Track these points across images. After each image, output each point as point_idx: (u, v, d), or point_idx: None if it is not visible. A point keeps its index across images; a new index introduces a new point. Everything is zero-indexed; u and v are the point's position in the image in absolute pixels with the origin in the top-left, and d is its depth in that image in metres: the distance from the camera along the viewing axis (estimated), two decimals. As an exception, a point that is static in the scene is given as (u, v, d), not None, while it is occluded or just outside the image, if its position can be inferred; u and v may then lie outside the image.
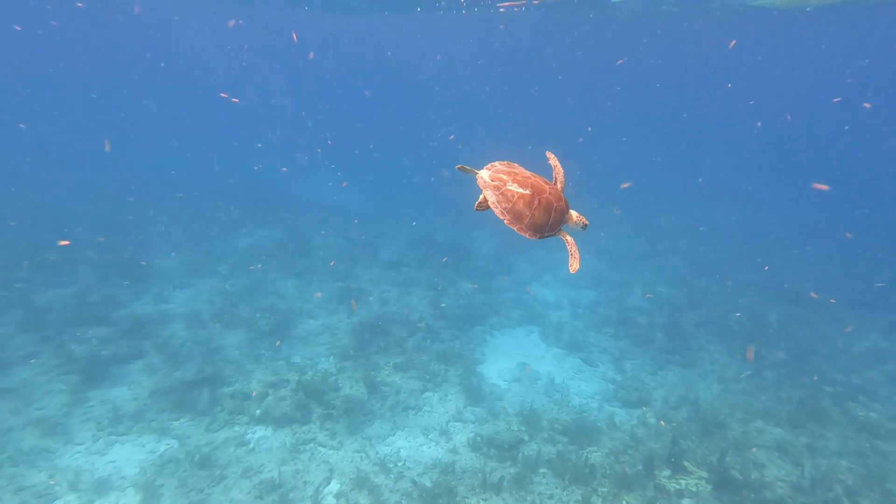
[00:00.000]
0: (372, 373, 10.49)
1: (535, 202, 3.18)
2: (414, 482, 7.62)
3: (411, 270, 16.74)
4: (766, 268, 17.74)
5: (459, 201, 27.61)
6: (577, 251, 3.50)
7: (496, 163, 3.41)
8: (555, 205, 3.26)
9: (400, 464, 8.14)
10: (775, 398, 10.55)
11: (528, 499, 7.18)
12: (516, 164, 3.48)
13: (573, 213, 3.48)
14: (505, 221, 3.25)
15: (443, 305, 14.25)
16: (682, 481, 7.72)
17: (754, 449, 8.70)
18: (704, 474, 7.88)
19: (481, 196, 3.34)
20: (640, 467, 7.87)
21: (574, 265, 3.47)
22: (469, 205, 3.50)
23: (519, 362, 12.38)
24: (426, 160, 39.45)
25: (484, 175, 3.27)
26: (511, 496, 7.25)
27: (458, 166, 3.34)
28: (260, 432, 8.66)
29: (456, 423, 9.34)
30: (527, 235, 3.27)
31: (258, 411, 8.99)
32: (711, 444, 8.83)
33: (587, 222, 3.53)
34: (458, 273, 16.67)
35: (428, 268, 16.97)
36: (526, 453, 8.25)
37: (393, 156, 41.55)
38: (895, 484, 7.79)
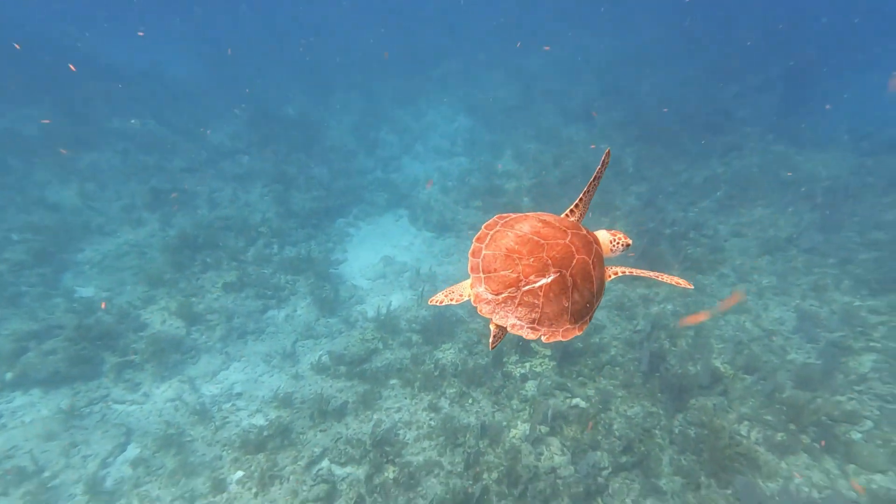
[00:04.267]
0: (193, 299, 8.99)
1: (570, 279, 2.07)
2: (241, 426, 6.94)
3: (251, 159, 14.03)
4: (595, 114, 17.29)
5: (320, 59, 23.46)
6: (661, 274, 2.44)
7: (478, 252, 2.19)
8: (590, 260, 2.15)
9: (228, 405, 7.30)
10: (623, 252, 11.07)
11: (375, 417, 6.96)
12: (496, 224, 2.30)
13: (605, 239, 2.45)
14: (544, 339, 2.06)
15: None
16: (528, 364, 8.03)
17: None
18: (548, 352, 8.23)
19: (492, 326, 2.13)
20: (490, 358, 7.98)
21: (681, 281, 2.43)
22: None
23: (384, 255, 11.69)
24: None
25: (482, 294, 2.08)
26: (355, 419, 6.96)
27: (432, 300, 2.27)
28: (18, 400, 7.08)
29: (305, 342, 8.67)
30: (577, 332, 2.12)
31: (9, 374, 7.21)
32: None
33: (629, 241, 2.51)
34: (311, 156, 14.48)
35: (273, 153, 14.31)
36: (377, 365, 7.95)
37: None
38: (709, 318, 8.70)
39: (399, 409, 7.03)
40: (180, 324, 8.48)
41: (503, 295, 2.04)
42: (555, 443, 6.34)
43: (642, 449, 6.21)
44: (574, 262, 2.09)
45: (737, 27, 19.21)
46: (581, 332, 2.11)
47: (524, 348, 8.24)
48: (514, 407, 7.12)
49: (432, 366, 7.64)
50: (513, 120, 17.56)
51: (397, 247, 12.38)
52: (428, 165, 15.89)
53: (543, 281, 2.02)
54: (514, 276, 2.06)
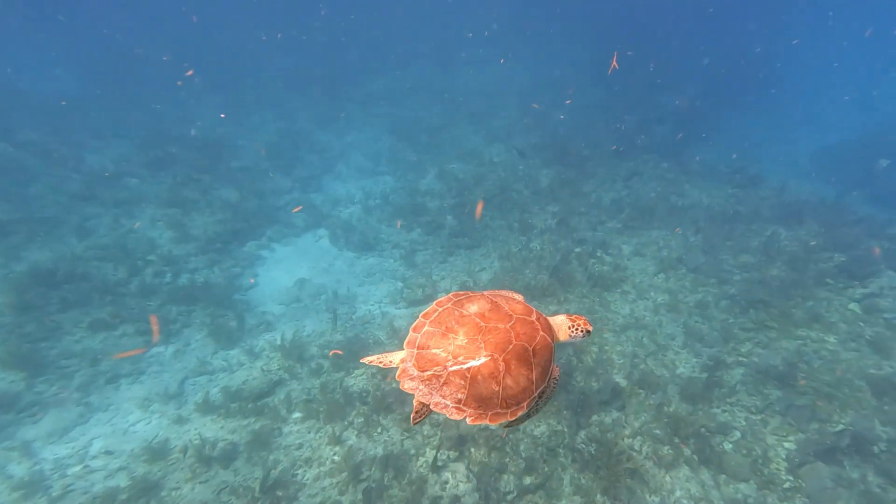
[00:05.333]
0: (43, 344, 7.81)
1: (503, 364, 2.06)
2: (90, 493, 5.98)
3: (140, 183, 12.73)
4: (535, 106, 18.07)
5: (233, 79, 22.18)
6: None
7: (419, 326, 2.22)
8: (531, 347, 2.12)
9: (77, 469, 6.28)
10: (537, 268, 11.49)
11: (271, 458, 6.51)
12: (448, 301, 2.32)
13: (562, 323, 2.37)
14: (468, 420, 2.03)
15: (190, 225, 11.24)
16: (442, 388, 8.00)
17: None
18: (462, 373, 8.27)
19: (415, 402, 2.13)
20: (398, 386, 7.84)
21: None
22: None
23: (300, 278, 11.17)
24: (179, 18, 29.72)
25: (409, 369, 2.13)
26: (246, 463, 6.42)
27: (364, 359, 2.27)
28: None
29: (197, 380, 7.90)
30: (508, 418, 2.08)
31: None
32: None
33: (589, 327, 2.39)
34: (217, 178, 13.54)
35: (168, 176, 13.12)
36: (279, 398, 7.47)
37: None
38: (611, 333, 9.24)
39: (300, 446, 6.63)
40: (16, 377, 7.26)
41: (428, 373, 2.05)
42: (460, 469, 6.31)
43: (546, 469, 6.38)
44: (511, 347, 2.09)
45: (636, 63, 21.15)
46: (513, 418, 2.09)
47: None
48: (425, 433, 7.02)
49: (340, 395, 7.33)
50: (436, 140, 17.81)
51: (315, 268, 11.91)
52: (351, 184, 15.58)
53: (472, 363, 2.02)
54: (444, 355, 2.08)
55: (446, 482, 6.12)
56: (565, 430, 6.99)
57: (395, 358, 2.29)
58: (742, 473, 5.74)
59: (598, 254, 11.79)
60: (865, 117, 22.47)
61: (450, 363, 2.08)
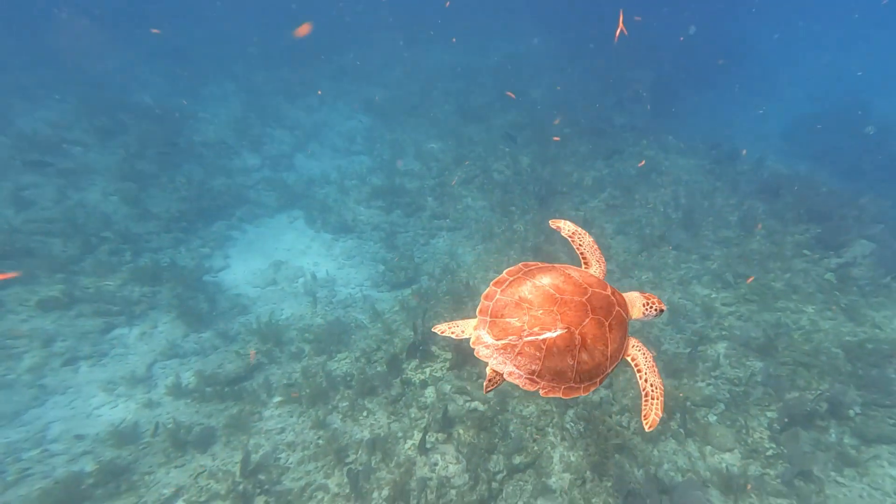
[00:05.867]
0: None
1: (579, 338, 1.99)
2: (52, 477, 5.59)
3: (87, 151, 11.68)
4: (512, 95, 17.86)
5: (186, 44, 20.81)
6: (658, 392, 2.20)
7: (491, 295, 2.15)
8: (607, 322, 2.08)
9: (34, 452, 5.86)
10: (521, 249, 11.39)
11: (252, 442, 6.26)
12: (518, 271, 2.28)
13: (636, 300, 2.35)
14: (542, 392, 2.01)
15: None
16: (428, 369, 7.86)
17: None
18: (449, 355, 8.12)
19: (488, 370, 2.07)
20: (385, 368, 7.65)
21: (653, 415, 2.15)
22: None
23: (275, 260, 10.76)
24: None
25: (483, 336, 2.05)
26: (225, 447, 6.16)
27: (436, 327, 2.25)
28: None
29: (167, 363, 7.51)
30: (581, 393, 2.03)
31: None
32: (461, 316, 9.16)
33: (663, 307, 2.36)
34: (178, 153, 12.73)
35: (119, 146, 12.08)
36: (258, 382, 7.18)
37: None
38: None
39: (282, 430, 6.40)
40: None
41: (503, 341, 2.01)
42: (450, 451, 6.22)
43: (535, 448, 6.35)
44: (587, 320, 2.04)
45: (609, 43, 21.00)
46: (586, 393, 2.06)
47: (425, 352, 8.06)
48: (413, 416, 6.88)
49: (324, 378, 7.10)
50: (413, 119, 17.34)
51: (292, 250, 11.50)
52: (325, 164, 15.04)
53: (548, 335, 1.97)
54: (519, 324, 2.03)
55: (435, 464, 6.02)
56: (554, 409, 6.97)
57: (466, 327, 2.25)
58: (727, 444, 5.84)
59: (580, 233, 11.75)
60: (831, 90, 22.99)
61: (525, 333, 2.02)
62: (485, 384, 2.10)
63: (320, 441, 6.22)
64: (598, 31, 22.59)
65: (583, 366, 2.03)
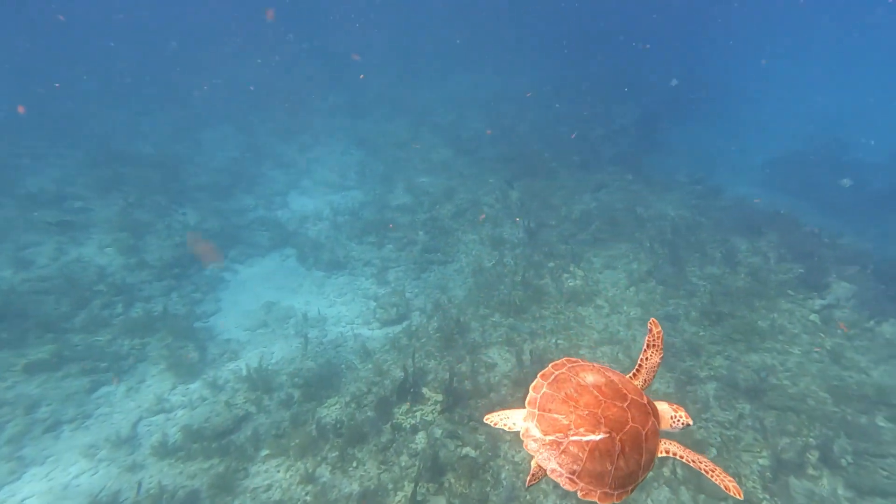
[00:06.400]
0: None
1: (619, 444, 2.06)
2: None
3: (85, 205, 11.83)
4: (489, 132, 18.23)
5: (183, 85, 21.20)
6: (708, 464, 2.25)
7: (539, 387, 2.24)
8: (644, 431, 2.14)
9: None
10: (511, 283, 11.45)
11: (236, 502, 6.09)
12: (563, 366, 2.37)
13: (666, 413, 2.36)
14: (580, 494, 2.05)
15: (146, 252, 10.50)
16: (418, 413, 7.77)
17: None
18: (440, 397, 8.05)
19: (533, 464, 2.14)
20: (374, 413, 7.55)
21: (728, 482, 2.19)
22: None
23: (267, 301, 10.69)
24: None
25: (532, 430, 2.13)
26: None
27: (487, 418, 2.31)
28: None
29: (153, 419, 7.30)
30: (615, 500, 2.05)
31: None
32: (452, 356, 9.13)
33: (690, 421, 2.35)
34: (174, 198, 12.82)
35: (119, 197, 12.22)
36: (245, 435, 7.02)
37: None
38: (587, 350, 9.27)
39: (269, 487, 6.23)
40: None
41: (550, 437, 2.06)
42: (441, 503, 6.10)
43: (528, 497, 6.25)
44: (627, 428, 2.08)
45: (597, 74, 21.79)
46: (618, 501, 2.05)
47: (416, 394, 7.98)
48: (403, 464, 6.76)
49: (314, 427, 6.97)
50: (404, 153, 17.64)
51: (283, 289, 11.46)
52: (318, 200, 15.17)
53: (592, 437, 2.02)
54: (566, 422, 2.08)
55: (427, 519, 5.89)
56: (546, 453, 6.89)
57: (516, 418, 2.31)
58: (720, 492, 5.80)
59: (571, 268, 11.89)
60: (810, 126, 23.89)
61: (571, 432, 2.07)
62: (528, 479, 2.15)
63: (308, 497, 6.07)
64: (587, 69, 23.47)
65: (619, 472, 2.05)
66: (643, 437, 2.14)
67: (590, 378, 2.30)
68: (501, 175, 16.43)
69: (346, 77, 23.38)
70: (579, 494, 2.04)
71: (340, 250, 12.90)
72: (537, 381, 2.33)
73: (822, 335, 7.76)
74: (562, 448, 2.06)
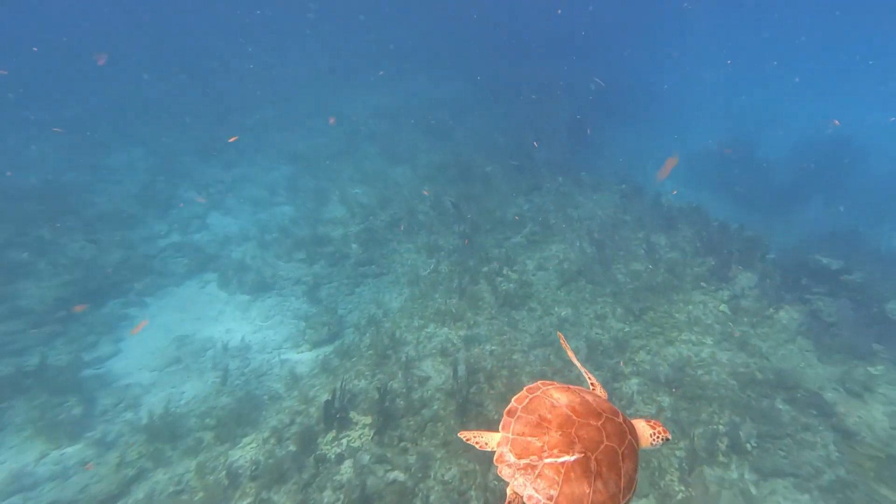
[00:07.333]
0: None
1: (595, 464, 1.99)
2: None
3: None
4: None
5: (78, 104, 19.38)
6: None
7: (513, 411, 2.23)
8: (620, 450, 2.06)
9: None
10: (447, 291, 11.31)
11: None
12: (537, 389, 2.36)
13: (644, 431, 2.29)
14: None
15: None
16: (345, 440, 7.40)
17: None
18: (368, 420, 7.73)
19: (509, 491, 2.05)
20: (297, 447, 7.10)
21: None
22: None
23: (179, 335, 9.90)
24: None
25: (506, 454, 2.10)
26: None
27: (462, 434, 2.33)
28: None
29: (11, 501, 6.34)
30: None
31: None
32: (384, 373, 8.83)
33: (668, 435, 2.33)
34: (61, 232, 11.51)
35: None
36: (136, 499, 6.24)
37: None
38: (520, 354, 9.24)
39: (165, 555, 5.65)
40: None
41: (524, 461, 2.02)
42: (366, 538, 5.78)
43: (456, 519, 6.06)
44: (602, 447, 2.03)
45: (524, 84, 22.30)
46: None
47: (343, 420, 7.60)
48: (326, 500, 6.38)
49: (223, 473, 6.42)
50: (338, 164, 17.19)
51: (201, 319, 10.68)
52: (243, 219, 14.39)
53: (566, 458, 1.98)
54: (540, 444, 2.04)
55: (348, 556, 5.54)
56: (476, 468, 6.75)
57: (491, 440, 2.29)
58: (642, 489, 5.87)
59: (505, 271, 11.92)
60: (727, 124, 25.63)
61: (545, 454, 2.03)
62: None
63: (215, 553, 5.55)
64: (517, 75, 23.97)
65: (598, 495, 1.96)
66: (619, 457, 2.07)
67: (563, 399, 2.26)
68: (437, 182, 16.36)
69: (273, 92, 22.53)
70: None
71: (268, 270, 12.27)
72: (511, 404, 2.30)
73: (731, 324, 8.16)
74: (536, 472, 2.01)
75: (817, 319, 7.80)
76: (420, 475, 6.64)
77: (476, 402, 7.92)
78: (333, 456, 7.03)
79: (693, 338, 8.08)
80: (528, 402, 2.29)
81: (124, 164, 15.32)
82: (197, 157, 16.45)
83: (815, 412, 6.49)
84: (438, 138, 19.50)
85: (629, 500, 2.10)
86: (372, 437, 7.38)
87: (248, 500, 6.13)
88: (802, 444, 6.02)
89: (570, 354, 2.91)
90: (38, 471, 6.58)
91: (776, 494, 5.50)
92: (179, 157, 16.18)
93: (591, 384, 2.63)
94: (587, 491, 1.97)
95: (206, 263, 11.91)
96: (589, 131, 18.89)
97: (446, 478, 6.62)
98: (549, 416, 2.18)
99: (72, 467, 6.60)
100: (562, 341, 2.91)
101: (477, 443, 2.35)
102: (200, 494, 6.10)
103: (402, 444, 7.29)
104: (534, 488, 1.99)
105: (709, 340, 7.97)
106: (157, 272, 11.15)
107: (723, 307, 8.59)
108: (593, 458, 2.02)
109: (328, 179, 16.33)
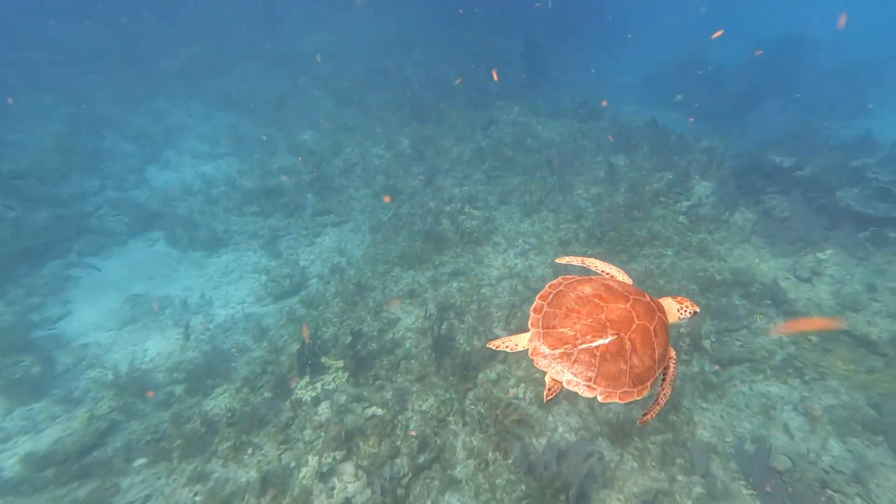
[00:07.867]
0: None
1: (629, 343, 2.10)
2: None
3: None
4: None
5: None
6: (665, 400, 2.34)
7: (539, 308, 2.28)
8: (651, 327, 2.15)
9: None
10: (409, 234, 11.05)
11: None
12: (560, 284, 2.40)
13: (671, 307, 2.38)
14: (600, 398, 2.06)
15: None
16: (319, 383, 7.31)
17: (394, 303, 8.94)
18: (341, 363, 7.63)
19: (547, 380, 2.15)
20: (272, 393, 6.97)
21: (650, 417, 2.34)
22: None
23: (130, 294, 9.30)
24: None
25: (539, 346, 2.17)
26: None
27: (491, 343, 2.36)
28: None
29: None
30: (636, 396, 2.09)
31: None
32: (353, 318, 8.67)
33: (696, 308, 2.43)
34: None
35: None
36: (113, 448, 6.10)
37: None
38: (488, 288, 9.24)
39: (148, 498, 5.50)
40: None
41: (559, 351, 2.09)
42: (348, 469, 5.82)
43: (438, 442, 6.18)
44: (633, 326, 2.11)
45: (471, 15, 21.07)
46: (640, 397, 2.10)
47: (315, 365, 7.48)
48: (307, 439, 6.34)
49: (199, 422, 6.23)
50: (283, 111, 16.00)
51: (155, 278, 10.05)
52: (185, 172, 13.32)
53: (600, 341, 2.06)
54: (572, 333, 2.11)
55: (332, 488, 5.59)
56: (453, 396, 6.84)
57: (520, 341, 2.33)
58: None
59: (467, 209, 11.72)
60: (682, 38, 25.27)
61: (578, 341, 2.10)
62: (545, 393, 2.15)
63: (197, 498, 5.45)
64: (467, 3, 22.57)
65: (635, 370, 2.09)
66: (652, 333, 2.16)
67: (588, 289, 2.30)
68: (389, 123, 15.59)
69: (199, 31, 20.28)
70: (600, 399, 2.06)
71: (219, 225, 11.57)
72: (536, 302, 2.32)
73: (689, 234, 8.39)
74: (573, 358, 2.08)
75: (770, 217, 8.11)
76: (398, 408, 6.68)
77: (448, 336, 7.93)
78: (310, 399, 6.94)
79: (654, 251, 8.29)
80: (552, 298, 2.33)
81: (35, 113, 13.62)
82: (120, 105, 14.84)
83: (769, 302, 6.89)
84: (387, 77, 18.37)
85: (665, 368, 2.29)
86: (346, 379, 7.32)
87: (229, 443, 6.01)
88: (757, 333, 6.42)
89: (586, 262, 2.87)
90: (7, 425, 6.24)
91: (734, 379, 5.90)
92: (99, 105, 14.52)
93: (612, 275, 2.69)
94: (624, 367, 2.08)
95: (150, 221, 11.06)
96: (544, 59, 18.25)
97: (424, 408, 6.69)
98: (576, 306, 2.23)
99: (42, 422, 6.28)
100: (571, 259, 2.94)
101: (507, 347, 2.37)
102: (179, 441, 5.92)
103: (377, 382, 7.27)
104: (572, 373, 2.07)
105: (669, 252, 8.20)
106: (95, 231, 10.27)
107: (681, 219, 8.81)
108: (626, 337, 2.12)
109: (273, 126, 15.22)
